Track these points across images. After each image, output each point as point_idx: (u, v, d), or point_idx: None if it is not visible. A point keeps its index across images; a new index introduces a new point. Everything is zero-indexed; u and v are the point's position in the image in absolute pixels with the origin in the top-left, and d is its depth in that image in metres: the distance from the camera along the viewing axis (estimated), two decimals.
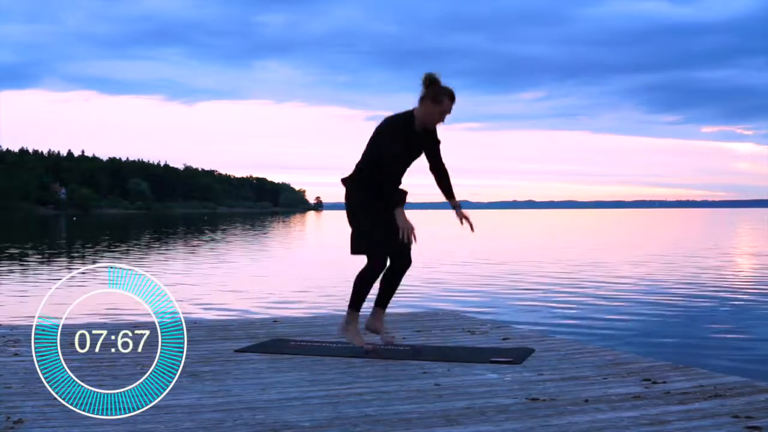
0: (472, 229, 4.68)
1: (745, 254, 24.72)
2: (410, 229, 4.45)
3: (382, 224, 4.56)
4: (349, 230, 4.74)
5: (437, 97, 4.52)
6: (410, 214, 4.58)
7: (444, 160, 4.80)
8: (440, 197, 4.89)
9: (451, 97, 4.56)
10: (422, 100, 4.55)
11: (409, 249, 4.66)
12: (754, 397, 3.50)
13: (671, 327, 9.35)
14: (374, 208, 4.60)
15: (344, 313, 4.83)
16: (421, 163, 4.77)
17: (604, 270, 17.56)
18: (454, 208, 4.78)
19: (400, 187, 4.67)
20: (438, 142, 4.73)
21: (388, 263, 4.65)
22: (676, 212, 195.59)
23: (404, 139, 4.56)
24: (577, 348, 4.92)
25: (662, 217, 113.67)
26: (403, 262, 4.69)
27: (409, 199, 4.65)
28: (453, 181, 4.86)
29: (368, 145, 4.65)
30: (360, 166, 4.66)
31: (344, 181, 4.72)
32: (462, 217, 4.70)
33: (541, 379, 3.91)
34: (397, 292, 4.84)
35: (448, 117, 4.61)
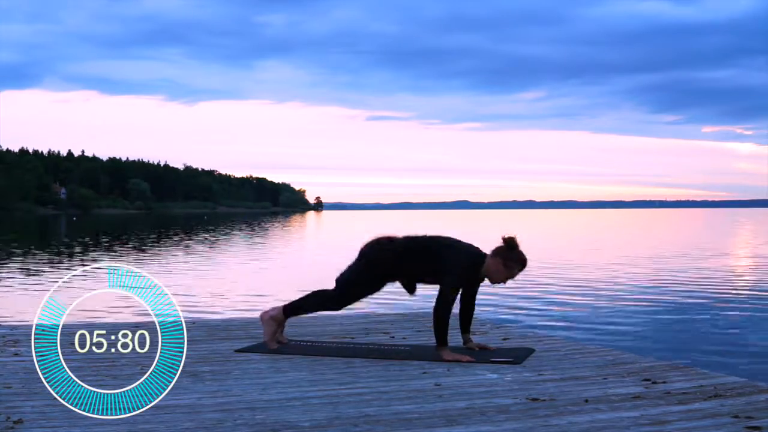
0: (482, 348, 4.72)
1: (745, 254, 24.72)
2: (460, 359, 4.44)
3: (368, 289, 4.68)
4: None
5: (510, 265, 4.50)
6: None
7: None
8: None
9: (523, 266, 4.55)
10: (495, 255, 4.51)
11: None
12: (754, 397, 3.50)
13: (671, 327, 9.36)
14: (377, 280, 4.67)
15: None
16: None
17: (604, 270, 17.56)
18: (465, 342, 4.78)
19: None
20: (480, 283, 4.73)
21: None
22: (677, 212, 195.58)
23: (467, 280, 4.61)
24: (577, 348, 4.92)
25: (662, 217, 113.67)
26: None
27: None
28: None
29: (428, 251, 4.59)
30: (398, 250, 4.62)
31: (383, 244, 4.69)
32: (474, 347, 4.72)
33: (541, 379, 3.91)
34: (398, 291, 4.87)
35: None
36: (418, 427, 3.05)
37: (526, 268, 4.64)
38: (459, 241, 4.68)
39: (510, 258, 4.49)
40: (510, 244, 4.50)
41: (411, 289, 4.70)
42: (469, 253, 4.57)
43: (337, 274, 4.77)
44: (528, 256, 4.59)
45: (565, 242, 33.47)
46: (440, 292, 4.50)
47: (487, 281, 4.63)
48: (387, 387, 3.74)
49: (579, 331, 8.73)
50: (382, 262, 4.61)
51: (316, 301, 4.81)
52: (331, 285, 4.79)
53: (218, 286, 14.01)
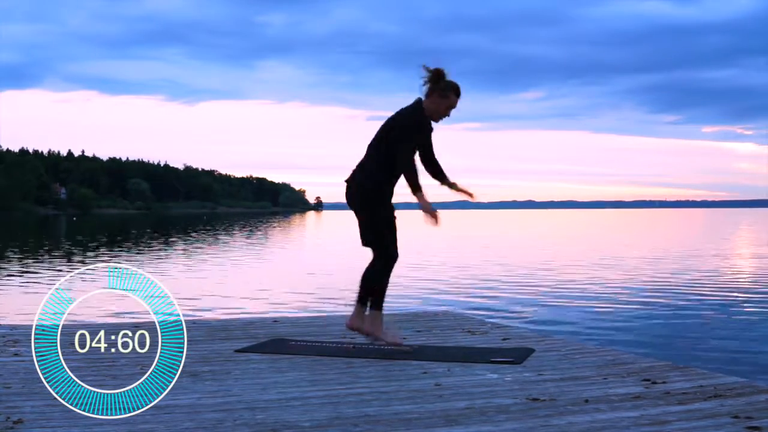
0: (472, 196, 4.78)
1: (745, 255, 24.72)
2: (433, 214, 4.53)
3: (393, 224, 4.67)
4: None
5: (444, 92, 4.62)
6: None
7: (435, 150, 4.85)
8: (440, 197, 4.93)
9: (457, 93, 4.66)
10: (429, 94, 4.64)
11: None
12: (754, 397, 3.50)
13: (671, 327, 9.35)
14: (386, 209, 4.68)
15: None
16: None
17: (604, 270, 17.55)
18: (452, 186, 4.83)
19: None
20: (431, 146, 4.80)
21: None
22: (677, 212, 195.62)
23: (418, 138, 4.67)
24: (577, 348, 4.92)
25: (662, 217, 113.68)
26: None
27: (409, 198, 4.70)
28: (454, 180, 4.89)
29: (379, 139, 4.67)
30: (366, 163, 4.70)
31: (352, 177, 4.76)
32: (463, 189, 4.80)
33: (541, 379, 3.91)
34: (398, 291, 4.86)
35: (452, 112, 4.71)
36: (418, 427, 3.05)
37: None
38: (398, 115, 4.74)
39: (440, 88, 4.62)
40: (437, 73, 4.63)
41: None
42: (408, 112, 4.64)
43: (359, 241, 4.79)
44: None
45: (565, 242, 33.47)
46: (398, 154, 4.57)
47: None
48: (387, 387, 3.74)
49: (579, 331, 8.73)
50: (366, 180, 4.68)
51: (378, 275, 4.74)
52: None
53: (218, 286, 14.01)
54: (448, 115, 4.68)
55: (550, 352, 4.70)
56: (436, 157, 4.86)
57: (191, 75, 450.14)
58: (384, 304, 4.81)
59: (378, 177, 4.68)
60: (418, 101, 4.68)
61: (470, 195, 4.83)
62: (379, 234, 4.69)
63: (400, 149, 4.58)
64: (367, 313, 4.80)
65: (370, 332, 4.80)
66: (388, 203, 4.73)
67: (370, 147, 4.74)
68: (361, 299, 4.80)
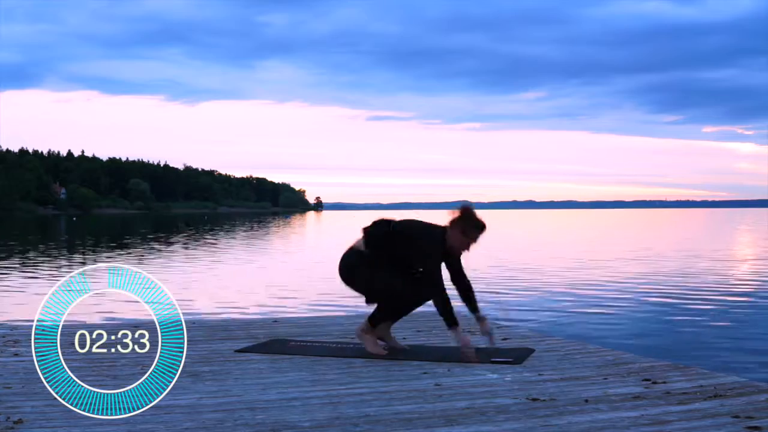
0: (492, 343, 4.72)
1: (745, 255, 24.72)
2: (471, 350, 4.47)
3: (398, 277, 4.67)
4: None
5: (469, 232, 4.61)
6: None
7: (465, 271, 4.84)
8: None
9: (481, 230, 4.65)
10: (453, 226, 4.62)
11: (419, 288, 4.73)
12: (754, 397, 3.50)
13: (671, 327, 9.35)
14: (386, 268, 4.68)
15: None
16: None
17: (604, 270, 17.56)
18: (478, 321, 4.79)
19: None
20: (461, 253, 4.76)
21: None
22: (677, 212, 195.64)
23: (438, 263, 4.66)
24: (577, 348, 4.92)
25: (662, 217, 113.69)
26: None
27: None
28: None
29: (406, 242, 4.64)
30: (376, 249, 4.68)
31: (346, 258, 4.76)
32: (486, 332, 4.72)
33: (541, 379, 3.91)
34: None
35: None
36: (418, 427, 3.05)
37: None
38: (422, 224, 4.76)
39: (467, 226, 4.61)
40: (465, 211, 4.63)
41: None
42: (435, 239, 4.64)
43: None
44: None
45: (565, 242, 33.47)
46: (429, 275, 4.55)
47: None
48: (387, 387, 3.74)
49: (579, 331, 8.73)
50: (379, 239, 4.67)
51: (389, 304, 4.76)
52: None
53: (218, 286, 14.01)
54: (468, 250, 4.69)
55: (550, 352, 4.70)
56: (468, 278, 4.83)
57: (192, 75, 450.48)
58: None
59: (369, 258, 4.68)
60: (443, 232, 4.65)
61: (490, 340, 4.74)
62: (377, 292, 4.70)
63: (431, 271, 4.57)
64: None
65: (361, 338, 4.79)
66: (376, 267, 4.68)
67: (377, 248, 4.68)
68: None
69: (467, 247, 4.67)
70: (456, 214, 4.64)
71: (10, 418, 3.09)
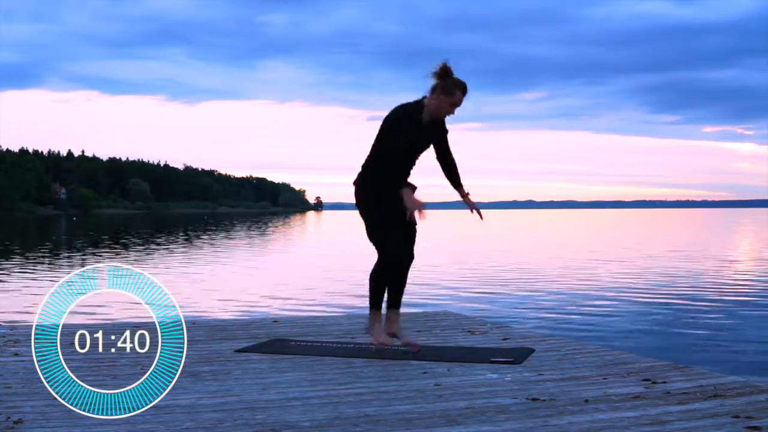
0: (480, 217, 4.72)
1: (745, 255, 24.72)
2: (418, 207, 4.45)
3: (394, 224, 4.60)
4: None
5: (449, 89, 4.47)
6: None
7: (452, 150, 4.77)
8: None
9: (464, 90, 4.50)
10: (433, 90, 4.50)
11: (412, 245, 4.68)
12: (754, 397, 3.50)
13: (671, 327, 9.35)
14: (384, 208, 4.61)
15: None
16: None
17: (604, 270, 17.55)
18: (463, 197, 4.77)
19: (409, 180, 4.68)
20: (446, 132, 4.69)
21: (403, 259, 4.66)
22: (677, 212, 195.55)
23: (410, 131, 4.51)
24: (577, 348, 4.92)
25: (662, 217, 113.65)
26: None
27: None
28: (467, 191, 4.83)
29: (376, 138, 4.63)
30: (366, 162, 4.67)
31: (354, 182, 4.75)
32: (472, 206, 4.72)
33: (541, 379, 3.91)
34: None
35: (457, 110, 4.57)
36: (418, 427, 3.05)
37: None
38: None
39: (448, 84, 4.47)
40: (443, 69, 4.48)
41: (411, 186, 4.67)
42: (398, 107, 4.56)
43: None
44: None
45: (565, 242, 33.46)
46: (387, 145, 4.54)
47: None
48: (387, 387, 3.74)
49: (579, 331, 8.73)
50: (363, 191, 4.65)
51: (374, 276, 4.71)
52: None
53: (218, 286, 14.01)
54: (452, 113, 4.55)
55: (550, 352, 4.69)
56: (453, 157, 4.76)
57: (192, 75, 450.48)
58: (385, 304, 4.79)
59: (374, 173, 4.63)
60: (420, 99, 4.58)
61: (478, 214, 4.75)
62: (379, 235, 4.66)
63: (390, 141, 4.50)
64: (383, 312, 4.77)
65: (391, 334, 4.77)
66: (388, 201, 4.61)
67: (372, 147, 4.72)
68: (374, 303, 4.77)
69: (451, 110, 4.51)
70: (435, 76, 4.47)
71: (10, 418, 3.09)
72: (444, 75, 4.48)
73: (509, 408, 3.33)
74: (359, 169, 4.73)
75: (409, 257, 4.69)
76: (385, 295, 4.75)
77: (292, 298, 12.16)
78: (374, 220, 4.64)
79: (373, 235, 4.66)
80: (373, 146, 4.65)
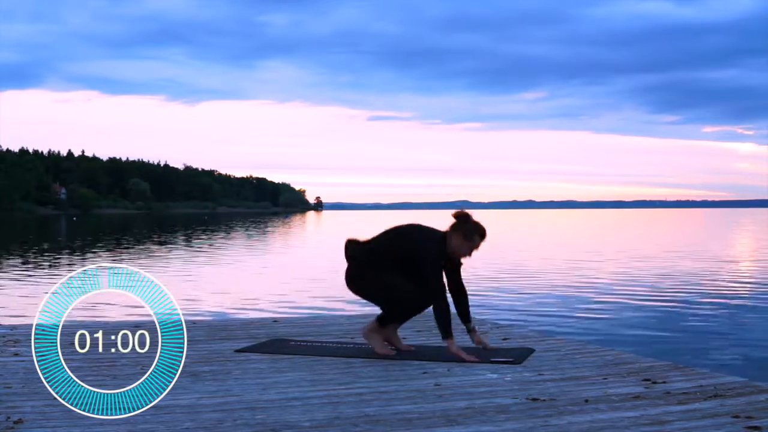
0: (486, 347, 4.71)
1: (745, 255, 24.72)
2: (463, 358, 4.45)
3: (403, 281, 4.63)
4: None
5: (469, 234, 4.59)
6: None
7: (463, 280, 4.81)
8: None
9: (483, 236, 4.63)
10: (453, 231, 4.59)
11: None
12: (754, 397, 3.50)
13: (671, 327, 9.35)
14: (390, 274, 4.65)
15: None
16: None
17: (604, 270, 17.56)
18: (469, 332, 4.79)
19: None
20: (461, 264, 4.75)
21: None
22: (677, 212, 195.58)
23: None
24: (577, 348, 4.92)
25: (662, 217, 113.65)
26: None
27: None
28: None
29: (402, 250, 4.61)
30: (374, 252, 4.66)
31: (351, 257, 4.73)
32: (479, 343, 4.74)
33: (541, 379, 3.91)
34: None
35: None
36: (418, 427, 3.05)
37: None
38: (421, 228, 4.70)
39: (467, 230, 4.58)
40: (462, 215, 4.61)
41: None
42: (436, 244, 4.59)
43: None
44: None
45: (565, 242, 33.47)
46: (429, 281, 4.51)
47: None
48: (387, 387, 3.75)
49: (579, 331, 8.73)
50: (367, 269, 4.64)
51: (398, 304, 4.71)
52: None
53: (218, 286, 14.01)
54: (470, 256, 4.66)
55: (550, 352, 4.70)
56: (465, 288, 4.80)
57: (192, 75, 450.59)
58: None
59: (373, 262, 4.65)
60: (443, 235, 4.61)
61: (484, 346, 4.75)
62: (385, 296, 4.67)
63: (431, 278, 4.51)
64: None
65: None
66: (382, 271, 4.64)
67: (378, 253, 4.66)
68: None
69: (469, 253, 4.62)
70: (455, 218, 4.61)
71: (10, 418, 3.09)
72: (464, 220, 4.59)
73: (509, 408, 3.33)
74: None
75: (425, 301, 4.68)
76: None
77: (292, 298, 12.16)
78: (386, 283, 4.64)
79: (383, 296, 4.67)
80: (396, 257, 4.60)
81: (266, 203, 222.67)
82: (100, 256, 22.63)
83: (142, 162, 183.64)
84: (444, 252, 4.60)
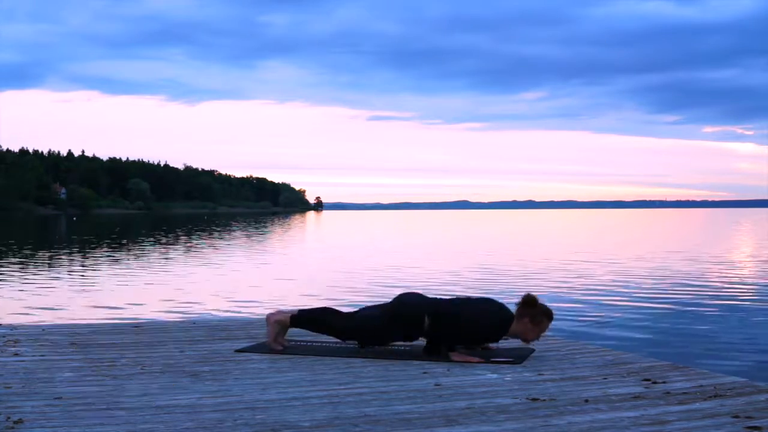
0: (486, 348, 4.75)
1: (745, 255, 24.72)
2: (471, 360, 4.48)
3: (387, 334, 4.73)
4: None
5: (538, 319, 4.56)
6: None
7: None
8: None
9: (551, 318, 4.61)
10: (521, 316, 4.57)
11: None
12: (754, 397, 3.50)
13: (671, 327, 9.36)
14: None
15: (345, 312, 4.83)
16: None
17: (604, 270, 17.55)
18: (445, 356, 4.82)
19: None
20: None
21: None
22: (677, 212, 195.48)
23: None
24: (577, 348, 4.92)
25: (662, 217, 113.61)
26: None
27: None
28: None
29: (453, 311, 4.63)
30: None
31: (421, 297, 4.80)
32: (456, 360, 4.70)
33: (541, 379, 3.91)
34: (398, 291, 4.87)
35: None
36: (418, 427, 3.05)
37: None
38: (492, 304, 4.71)
39: (535, 314, 4.56)
40: (530, 299, 4.58)
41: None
42: (503, 320, 4.60)
43: (362, 306, 4.82)
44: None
45: (565, 242, 33.46)
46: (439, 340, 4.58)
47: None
48: (387, 387, 3.74)
49: (579, 331, 8.73)
50: (414, 315, 4.64)
51: (325, 321, 4.82)
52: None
53: (218, 286, 14.01)
54: (538, 340, 4.67)
55: (550, 352, 4.70)
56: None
57: (192, 75, 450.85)
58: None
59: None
60: (510, 318, 4.59)
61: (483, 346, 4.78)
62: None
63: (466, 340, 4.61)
64: None
65: None
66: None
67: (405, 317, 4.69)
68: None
69: (537, 336, 4.61)
70: (523, 303, 4.58)
71: (10, 418, 3.09)
72: (532, 305, 4.57)
73: (509, 408, 3.33)
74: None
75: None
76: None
77: (292, 298, 12.16)
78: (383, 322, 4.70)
79: (368, 318, 4.77)
80: (446, 313, 4.62)
81: (266, 203, 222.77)
82: (100, 256, 22.62)
83: (142, 162, 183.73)
84: (498, 329, 4.58)
